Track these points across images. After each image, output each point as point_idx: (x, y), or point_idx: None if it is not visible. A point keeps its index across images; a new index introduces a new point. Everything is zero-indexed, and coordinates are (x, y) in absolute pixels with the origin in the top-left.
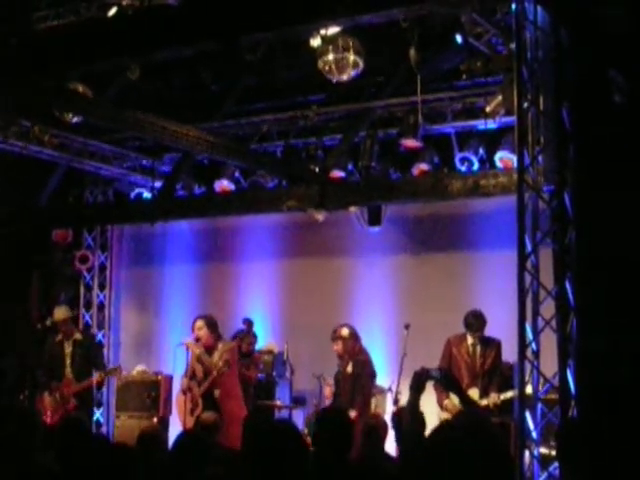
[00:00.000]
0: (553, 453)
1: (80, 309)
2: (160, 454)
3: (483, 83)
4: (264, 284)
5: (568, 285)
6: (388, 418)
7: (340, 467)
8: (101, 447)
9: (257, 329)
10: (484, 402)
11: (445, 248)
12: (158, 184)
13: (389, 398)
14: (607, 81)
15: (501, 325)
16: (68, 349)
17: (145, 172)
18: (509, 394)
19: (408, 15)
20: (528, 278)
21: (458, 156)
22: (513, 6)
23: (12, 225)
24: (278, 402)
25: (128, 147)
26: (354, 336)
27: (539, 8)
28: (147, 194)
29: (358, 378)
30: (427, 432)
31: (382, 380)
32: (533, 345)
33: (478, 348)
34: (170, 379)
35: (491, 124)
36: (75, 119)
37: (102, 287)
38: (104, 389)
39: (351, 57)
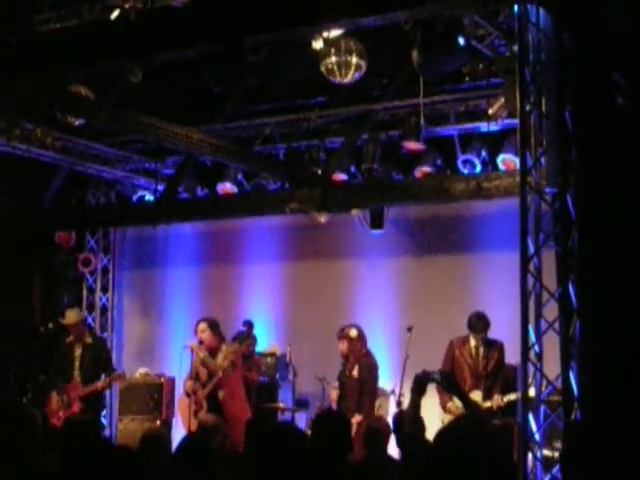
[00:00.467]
0: (556, 455)
1: (83, 312)
2: (163, 456)
3: (485, 85)
4: (266, 287)
5: (571, 287)
6: (391, 420)
7: (338, 468)
8: (103, 450)
9: (260, 332)
10: (487, 404)
11: (447, 250)
12: (161, 187)
13: (392, 400)
14: (609, 83)
15: (504, 327)
16: (78, 351)
17: (148, 175)
18: (512, 396)
19: (411, 17)
20: (531, 280)
21: (461, 158)
22: (515, 8)
23: (15, 226)
24: (281, 405)
25: (131, 150)
26: (361, 338)
27: (541, 10)
28: (150, 197)
29: (365, 382)
30: (428, 435)
31: (385, 382)
32: (536, 347)
33: (481, 350)
34: (173, 381)
35: (494, 126)
36: (77, 122)
37: (105, 290)
38: (107, 391)
39: (353, 60)
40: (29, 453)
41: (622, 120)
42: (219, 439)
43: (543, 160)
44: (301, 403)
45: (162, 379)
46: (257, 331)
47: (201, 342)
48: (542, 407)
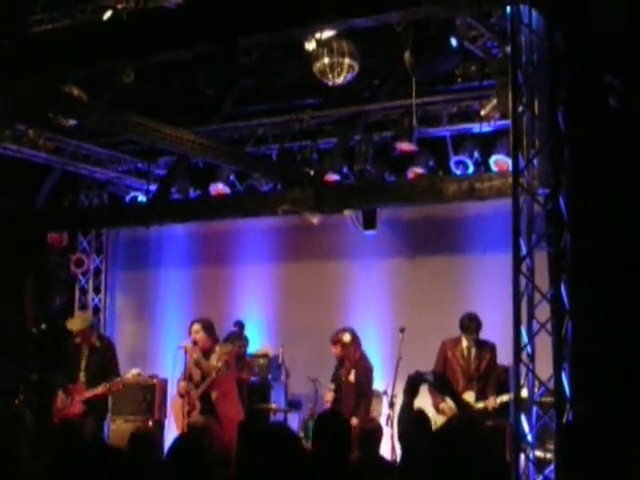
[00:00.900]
0: (548, 456)
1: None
2: (152, 455)
3: (478, 86)
4: (259, 287)
5: (563, 288)
6: (383, 421)
7: (342, 470)
8: (95, 451)
9: (252, 333)
10: (480, 405)
11: (440, 251)
12: (153, 187)
13: (384, 401)
14: (602, 84)
15: (496, 328)
16: (85, 354)
17: (140, 175)
18: (506, 397)
19: (405, 19)
20: (523, 281)
21: (453, 159)
22: (508, 9)
23: (7, 228)
24: (273, 405)
25: (123, 150)
26: (355, 341)
27: (534, 12)
28: (142, 197)
29: (362, 387)
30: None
31: (377, 383)
32: (528, 348)
33: (473, 351)
34: (165, 382)
35: (486, 127)
36: (70, 122)
37: (97, 290)
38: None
39: (346, 61)
40: (16, 456)
41: (615, 121)
42: (208, 440)
43: (535, 161)
44: (293, 404)
45: (155, 380)
46: (250, 332)
47: (195, 343)
48: (534, 408)
